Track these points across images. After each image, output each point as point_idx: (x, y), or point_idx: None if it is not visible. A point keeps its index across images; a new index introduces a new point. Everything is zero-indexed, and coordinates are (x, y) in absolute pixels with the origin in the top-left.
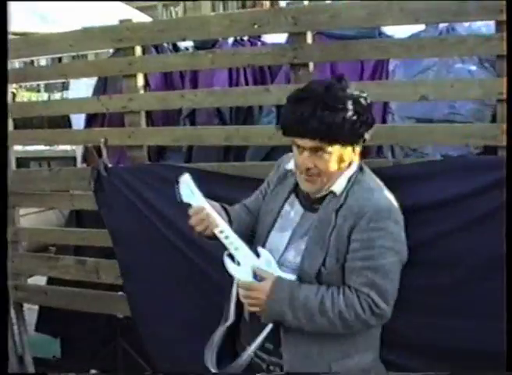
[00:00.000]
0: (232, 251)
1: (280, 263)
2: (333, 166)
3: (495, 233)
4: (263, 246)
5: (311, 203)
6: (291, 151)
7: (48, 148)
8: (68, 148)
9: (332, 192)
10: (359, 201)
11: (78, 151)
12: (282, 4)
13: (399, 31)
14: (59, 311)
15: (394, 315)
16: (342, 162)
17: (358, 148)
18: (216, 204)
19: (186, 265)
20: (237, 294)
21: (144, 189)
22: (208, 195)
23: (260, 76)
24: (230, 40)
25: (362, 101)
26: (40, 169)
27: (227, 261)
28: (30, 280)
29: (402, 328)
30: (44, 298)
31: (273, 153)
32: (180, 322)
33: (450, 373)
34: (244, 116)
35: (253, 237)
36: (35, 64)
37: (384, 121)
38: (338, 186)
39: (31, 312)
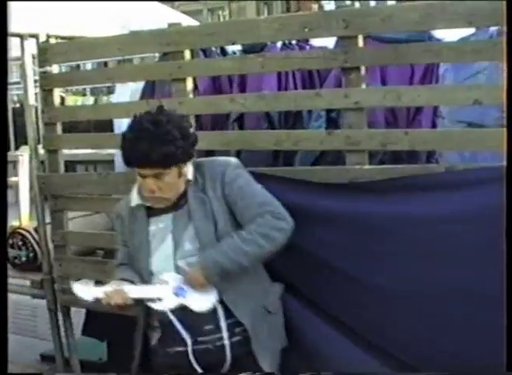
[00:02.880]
0: (151, 296)
1: (182, 257)
2: (174, 182)
3: None
4: (151, 267)
5: (175, 204)
6: (341, 156)
7: (94, 151)
8: (114, 151)
9: (188, 181)
10: (212, 170)
11: (117, 155)
12: (329, 6)
13: (449, 35)
14: (106, 314)
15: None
16: (180, 176)
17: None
18: (114, 281)
19: None
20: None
21: None
22: None
23: (309, 80)
24: (279, 44)
25: (185, 125)
26: (88, 173)
27: (155, 306)
28: None
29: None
30: (92, 301)
31: (323, 157)
32: None
33: (450, 373)
34: (293, 120)
35: None
36: (81, 68)
37: (434, 125)
38: (189, 174)
39: (78, 314)
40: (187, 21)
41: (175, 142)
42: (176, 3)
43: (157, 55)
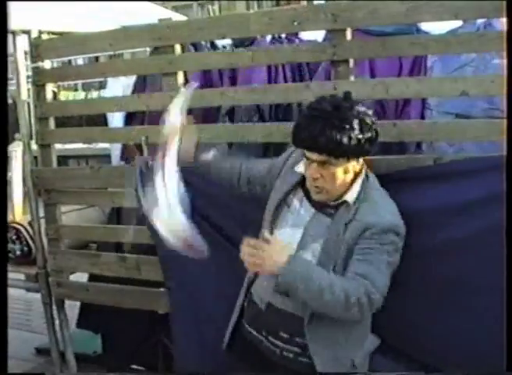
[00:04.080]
0: None
1: None
2: (339, 176)
3: None
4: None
5: (322, 205)
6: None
7: (86, 146)
8: (106, 145)
9: (345, 202)
10: (366, 216)
11: (112, 149)
12: (319, 1)
13: (436, 27)
14: (100, 307)
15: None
16: (347, 174)
17: (362, 160)
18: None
19: (228, 263)
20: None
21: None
22: None
23: (298, 73)
24: (268, 37)
25: (367, 119)
26: (81, 167)
27: None
28: (72, 277)
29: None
30: (86, 294)
31: None
32: (217, 324)
33: (451, 373)
34: (283, 113)
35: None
36: (72, 63)
37: (422, 117)
38: (351, 195)
39: (73, 308)
40: (176, 17)
41: (351, 132)
42: None
43: (148, 49)
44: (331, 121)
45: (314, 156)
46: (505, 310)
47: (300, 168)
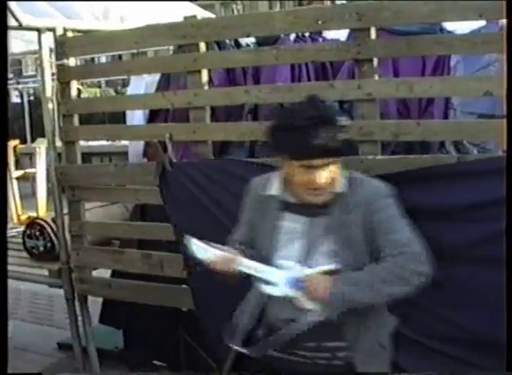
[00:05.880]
0: (263, 276)
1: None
2: (338, 175)
3: None
4: (276, 260)
5: (315, 209)
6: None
7: (110, 142)
8: (128, 143)
9: (333, 193)
10: (361, 193)
11: (131, 147)
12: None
13: (460, 27)
14: (123, 303)
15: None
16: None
17: None
18: (232, 250)
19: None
20: None
21: (209, 184)
22: None
23: (322, 71)
24: (292, 36)
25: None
26: (105, 164)
27: (264, 287)
28: (95, 273)
29: (467, 323)
30: (109, 290)
31: None
32: None
33: (451, 373)
34: None
35: None
36: (95, 61)
37: (446, 116)
38: (338, 185)
39: (95, 304)
40: (204, 14)
41: (343, 128)
42: None
43: (171, 47)
44: (329, 123)
45: (323, 161)
46: (505, 310)
47: (275, 191)
